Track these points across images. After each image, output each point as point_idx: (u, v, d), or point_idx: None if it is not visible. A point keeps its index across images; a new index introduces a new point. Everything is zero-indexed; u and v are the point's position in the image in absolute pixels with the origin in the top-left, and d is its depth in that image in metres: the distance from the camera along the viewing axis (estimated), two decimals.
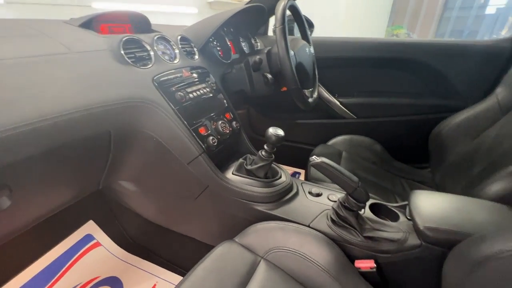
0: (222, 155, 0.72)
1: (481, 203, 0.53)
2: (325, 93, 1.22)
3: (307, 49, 0.87)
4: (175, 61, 0.70)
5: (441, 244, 0.46)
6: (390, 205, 0.62)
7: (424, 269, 0.49)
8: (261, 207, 0.62)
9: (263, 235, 0.57)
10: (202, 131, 0.65)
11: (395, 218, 0.59)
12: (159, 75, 0.61)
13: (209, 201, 0.66)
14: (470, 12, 5.87)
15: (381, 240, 0.52)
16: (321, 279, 0.48)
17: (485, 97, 0.87)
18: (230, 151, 0.78)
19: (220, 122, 0.71)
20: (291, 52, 0.73)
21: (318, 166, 0.52)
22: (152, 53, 0.64)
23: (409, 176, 1.03)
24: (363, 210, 0.56)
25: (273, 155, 0.65)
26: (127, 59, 0.57)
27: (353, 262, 0.53)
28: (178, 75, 0.67)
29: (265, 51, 0.83)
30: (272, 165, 0.69)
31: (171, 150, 0.60)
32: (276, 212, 0.61)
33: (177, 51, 0.72)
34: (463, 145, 0.87)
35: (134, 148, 0.58)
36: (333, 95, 1.23)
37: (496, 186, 0.57)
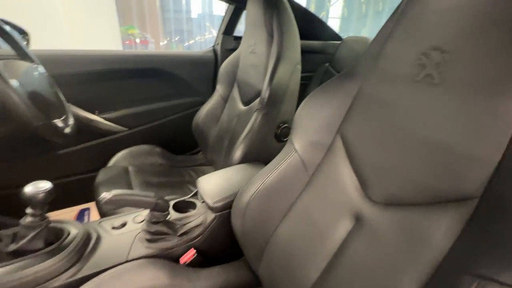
0: None
1: (235, 168, 0.81)
2: (82, 113, 1.08)
3: (35, 72, 0.71)
4: None
5: (227, 208, 0.66)
6: (186, 198, 0.75)
7: (225, 231, 0.67)
8: (59, 282, 0.50)
9: None
10: None
11: (194, 206, 0.73)
12: None
13: None
14: (182, 15, 7.35)
15: (191, 229, 0.64)
16: None
17: (213, 92, 1.23)
18: None
19: None
20: (14, 83, 0.57)
21: (111, 202, 0.51)
22: None
23: (191, 163, 1.25)
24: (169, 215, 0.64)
25: (46, 216, 0.52)
26: None
27: (179, 261, 0.61)
28: None
29: None
30: None
31: None
32: (84, 272, 0.52)
33: None
34: (213, 129, 1.19)
35: None
36: (93, 113, 1.13)
37: (237, 153, 0.87)
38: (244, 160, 0.85)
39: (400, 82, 0.41)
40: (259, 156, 0.87)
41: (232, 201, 0.64)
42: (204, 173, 1.19)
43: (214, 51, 1.34)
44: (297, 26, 0.89)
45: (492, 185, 0.31)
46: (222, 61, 1.21)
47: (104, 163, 1.08)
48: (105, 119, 1.15)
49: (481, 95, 0.33)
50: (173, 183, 1.04)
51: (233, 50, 1.18)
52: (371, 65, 0.47)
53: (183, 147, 1.35)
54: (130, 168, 1.04)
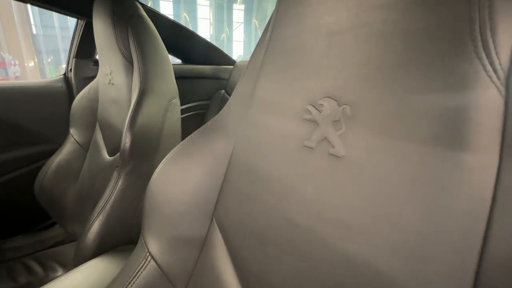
0: None
1: (82, 270, 0.50)
2: None
3: None
4: None
5: None
6: None
7: None
8: None
9: None
10: None
11: None
12: None
13: None
14: (55, 31, 6.12)
15: None
16: None
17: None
18: None
19: None
20: None
21: None
22: None
23: (38, 246, 0.83)
24: None
25: None
26: None
27: None
28: None
29: None
30: None
31: None
32: None
33: None
34: (72, 190, 0.83)
35: None
36: None
37: (90, 236, 0.57)
38: (102, 246, 0.56)
39: (282, 148, 0.25)
40: (126, 235, 0.60)
41: None
42: (60, 260, 0.80)
43: (66, 80, 0.98)
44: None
45: None
46: (79, 92, 0.88)
47: None
48: None
49: (407, 180, 0.19)
50: None
51: (94, 78, 0.87)
52: (242, 115, 0.30)
53: (22, 224, 0.90)
54: None
